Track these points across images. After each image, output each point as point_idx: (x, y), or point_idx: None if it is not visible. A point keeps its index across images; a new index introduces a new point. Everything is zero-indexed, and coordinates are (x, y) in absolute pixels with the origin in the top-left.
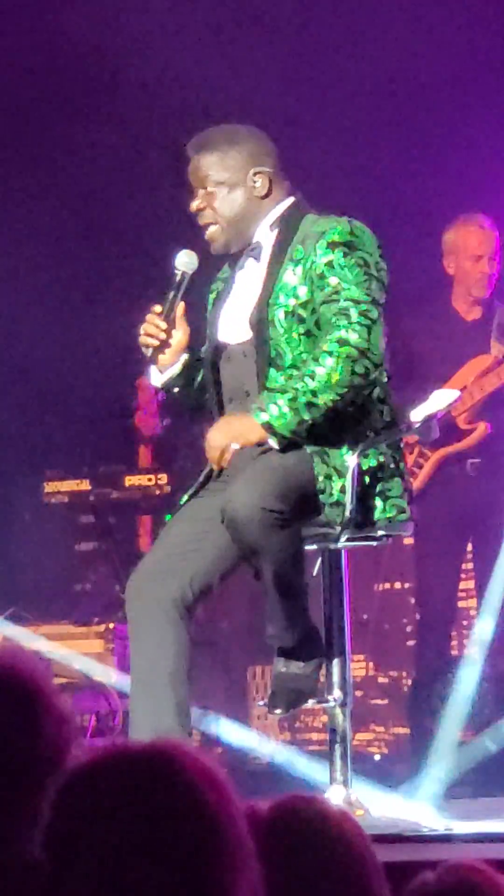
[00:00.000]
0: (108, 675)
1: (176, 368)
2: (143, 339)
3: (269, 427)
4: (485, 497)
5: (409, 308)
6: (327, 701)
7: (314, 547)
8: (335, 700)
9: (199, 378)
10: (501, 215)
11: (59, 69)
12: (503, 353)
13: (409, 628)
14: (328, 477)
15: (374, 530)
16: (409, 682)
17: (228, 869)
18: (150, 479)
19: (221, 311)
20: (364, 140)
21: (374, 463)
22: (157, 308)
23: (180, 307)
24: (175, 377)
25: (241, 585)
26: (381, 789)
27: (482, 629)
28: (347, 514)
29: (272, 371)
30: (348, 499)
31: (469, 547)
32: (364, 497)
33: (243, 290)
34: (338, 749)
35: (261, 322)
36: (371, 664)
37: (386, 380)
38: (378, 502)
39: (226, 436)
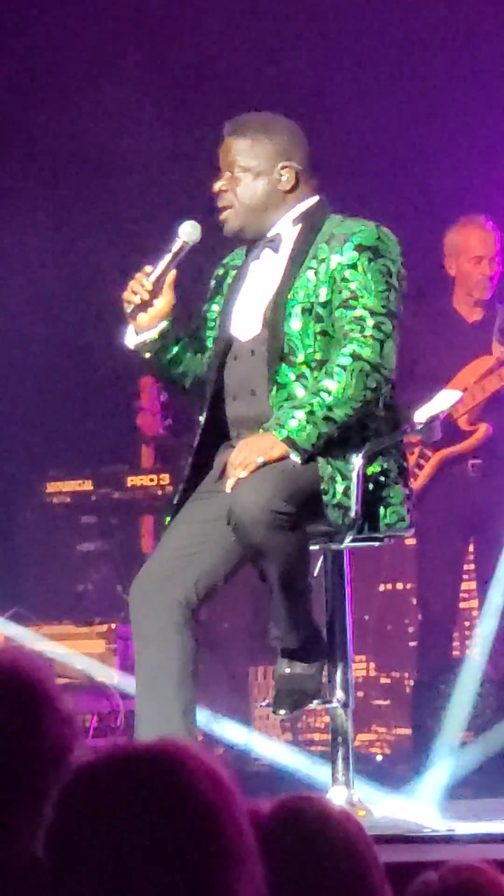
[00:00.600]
0: (110, 676)
1: (152, 333)
2: (126, 295)
3: (290, 442)
4: (486, 498)
5: (411, 309)
6: (331, 702)
7: (316, 547)
8: (338, 701)
9: (174, 351)
10: (503, 216)
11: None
12: None
13: (410, 629)
14: (332, 479)
15: (374, 534)
16: (411, 682)
17: (231, 869)
18: (152, 480)
19: (235, 305)
20: (364, 139)
21: (377, 469)
22: (148, 269)
23: (171, 274)
24: (149, 342)
25: (242, 586)
26: (382, 790)
27: (484, 630)
28: (352, 515)
29: (283, 367)
30: (353, 501)
31: (471, 548)
32: (366, 502)
33: (259, 282)
34: (340, 750)
35: (276, 317)
36: (373, 665)
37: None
38: (380, 509)
39: (251, 453)
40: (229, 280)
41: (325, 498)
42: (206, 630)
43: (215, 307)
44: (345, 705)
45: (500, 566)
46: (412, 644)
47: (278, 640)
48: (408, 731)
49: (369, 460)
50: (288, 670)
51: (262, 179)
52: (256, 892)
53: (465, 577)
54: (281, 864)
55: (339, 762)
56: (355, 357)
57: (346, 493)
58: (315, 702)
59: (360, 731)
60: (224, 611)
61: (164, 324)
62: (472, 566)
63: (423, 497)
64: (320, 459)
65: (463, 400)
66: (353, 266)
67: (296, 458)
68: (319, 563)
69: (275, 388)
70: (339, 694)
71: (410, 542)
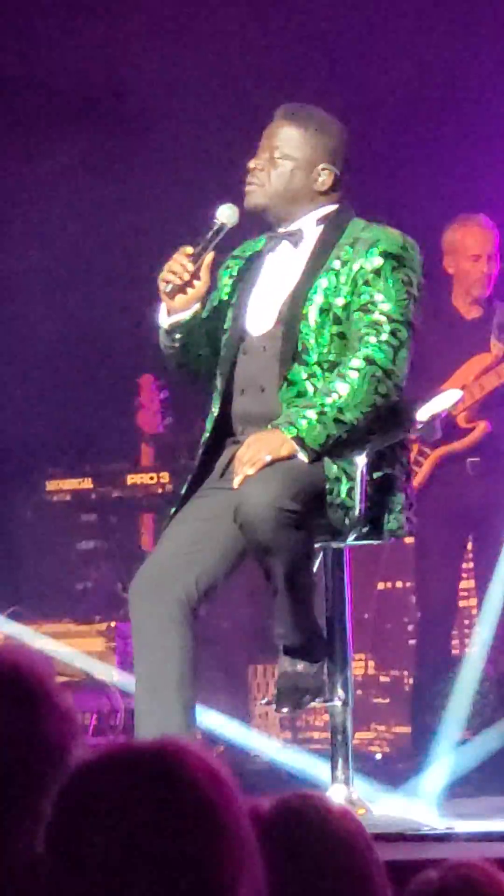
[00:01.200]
0: (110, 674)
1: (186, 315)
2: (165, 275)
3: (300, 441)
4: (485, 496)
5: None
6: (332, 700)
7: (316, 546)
8: (339, 699)
9: (195, 338)
10: (502, 214)
11: None
12: (503, 352)
13: (409, 627)
14: (337, 479)
15: (375, 537)
16: (410, 681)
17: (231, 867)
18: (151, 478)
19: (250, 298)
20: (364, 137)
21: (384, 475)
22: (188, 249)
23: (209, 257)
24: (183, 324)
25: (241, 584)
26: (382, 788)
27: (483, 628)
28: (355, 515)
29: (296, 365)
30: (357, 499)
31: (469, 546)
32: (370, 508)
33: (276, 277)
34: (339, 748)
35: (293, 314)
36: (372, 663)
37: None
38: (384, 515)
39: (259, 450)
40: (234, 271)
41: (328, 497)
42: (205, 628)
43: (226, 297)
44: (344, 703)
45: (499, 564)
46: (411, 642)
47: (281, 637)
48: (407, 730)
49: (377, 465)
50: (290, 668)
51: (301, 173)
52: (256, 890)
53: (463, 575)
54: (281, 862)
55: (339, 760)
56: (369, 361)
57: (349, 493)
58: (318, 700)
59: (359, 730)
60: (223, 609)
61: (197, 305)
62: (471, 564)
63: (421, 495)
64: (326, 459)
65: (461, 398)
66: (377, 272)
67: (303, 457)
68: (318, 561)
69: (285, 385)
70: (339, 692)
71: (409, 540)
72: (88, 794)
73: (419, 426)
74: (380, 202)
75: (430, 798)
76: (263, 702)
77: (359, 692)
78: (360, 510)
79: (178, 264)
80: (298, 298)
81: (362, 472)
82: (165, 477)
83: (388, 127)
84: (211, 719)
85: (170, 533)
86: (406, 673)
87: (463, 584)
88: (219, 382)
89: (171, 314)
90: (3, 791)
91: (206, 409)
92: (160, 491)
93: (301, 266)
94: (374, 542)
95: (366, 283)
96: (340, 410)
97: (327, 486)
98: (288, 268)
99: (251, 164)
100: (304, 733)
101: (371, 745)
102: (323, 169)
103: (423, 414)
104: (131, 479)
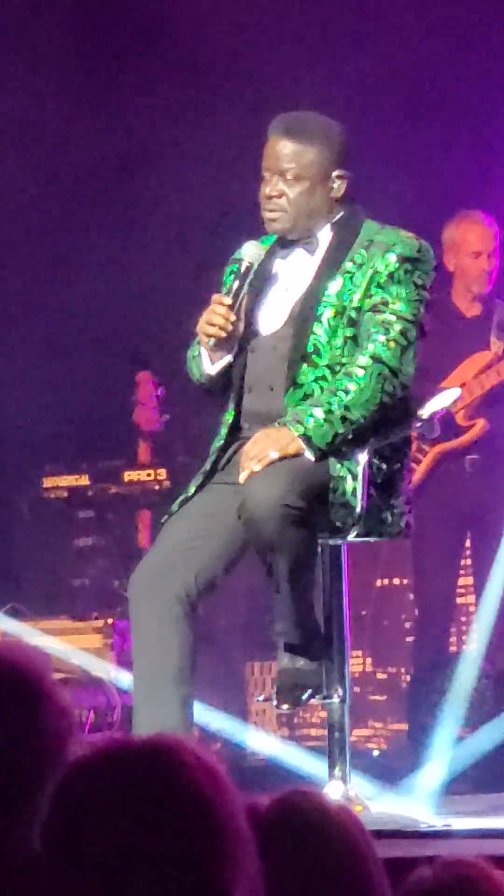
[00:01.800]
0: (107, 671)
1: (230, 357)
2: (207, 329)
3: (306, 439)
4: (483, 493)
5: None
6: (331, 697)
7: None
8: (337, 696)
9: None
10: (502, 211)
11: None
12: (502, 350)
13: (407, 624)
14: (342, 477)
15: (376, 535)
16: (408, 678)
17: (228, 864)
18: (149, 475)
19: (261, 299)
20: (364, 134)
21: (388, 475)
22: (226, 299)
23: (245, 300)
24: (226, 366)
25: (239, 581)
26: (379, 785)
27: (480, 625)
28: (358, 510)
29: (304, 366)
30: (359, 496)
31: (467, 543)
32: (372, 506)
33: (288, 279)
34: (336, 745)
35: (305, 315)
36: (369, 660)
37: None
38: (386, 515)
39: (266, 447)
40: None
41: (332, 496)
42: (202, 625)
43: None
44: (342, 700)
45: (498, 561)
46: (409, 639)
47: (282, 634)
48: (404, 727)
49: (380, 463)
50: (290, 665)
51: (319, 188)
52: (253, 886)
53: (461, 572)
54: (279, 858)
55: (336, 757)
56: (375, 360)
57: (353, 492)
58: (318, 696)
59: (356, 727)
60: (221, 606)
61: (235, 344)
62: (468, 561)
63: (420, 492)
64: (331, 458)
65: (461, 395)
66: (391, 275)
67: (310, 455)
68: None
69: (291, 388)
70: (336, 689)
71: None
72: (85, 791)
73: (419, 424)
74: (379, 197)
75: (427, 795)
76: (261, 698)
77: (356, 689)
78: (361, 507)
79: (220, 316)
80: (312, 299)
81: (365, 469)
82: (162, 474)
83: (388, 121)
84: (208, 716)
85: (169, 529)
86: (403, 670)
87: (461, 581)
88: (234, 382)
89: (213, 361)
90: (0, 786)
91: (204, 406)
92: (157, 488)
93: (314, 268)
94: (374, 540)
95: (379, 285)
96: (347, 409)
97: (332, 485)
98: (301, 271)
99: (267, 192)
100: (302, 730)
101: (368, 742)
102: (337, 176)
103: (425, 412)
104: (128, 475)
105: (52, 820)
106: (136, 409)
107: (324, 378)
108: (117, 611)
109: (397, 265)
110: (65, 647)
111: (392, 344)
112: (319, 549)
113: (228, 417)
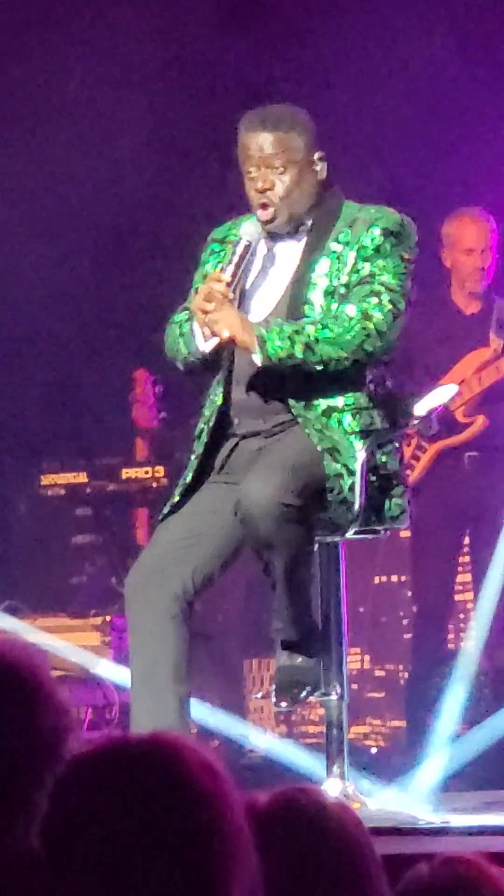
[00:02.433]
0: (105, 668)
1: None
2: (206, 305)
3: (262, 341)
4: (482, 490)
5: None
6: (329, 694)
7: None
8: (335, 693)
9: None
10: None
11: None
12: (502, 347)
13: (405, 621)
14: (339, 476)
15: (376, 527)
16: (406, 675)
17: (227, 861)
18: (146, 472)
19: (248, 286)
20: (365, 130)
21: (380, 464)
22: (224, 276)
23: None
24: (219, 345)
25: (237, 578)
26: (377, 782)
27: (479, 622)
28: (356, 509)
29: None
30: (357, 493)
31: (466, 540)
32: (370, 497)
33: (274, 265)
34: (334, 742)
35: (296, 300)
36: (367, 657)
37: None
38: (384, 503)
39: (225, 322)
40: (221, 257)
41: (330, 496)
42: (200, 622)
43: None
44: (340, 697)
45: (496, 558)
46: (407, 636)
47: (280, 632)
48: (402, 724)
49: (375, 459)
50: (288, 662)
51: (307, 173)
52: (252, 883)
53: (460, 569)
54: (278, 855)
55: (334, 754)
56: (365, 316)
57: (351, 489)
58: (314, 694)
59: (354, 724)
60: (218, 603)
61: None
62: (467, 558)
63: (419, 489)
64: (327, 456)
65: (460, 392)
66: (377, 248)
67: (257, 359)
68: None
69: None
70: (335, 686)
71: (405, 534)
72: (83, 789)
73: (416, 420)
74: (380, 193)
75: (425, 792)
76: (259, 696)
77: (354, 686)
78: (360, 504)
79: (218, 293)
80: (302, 283)
81: (362, 466)
82: (160, 471)
83: (390, 116)
84: (206, 713)
85: (165, 527)
86: (401, 667)
87: (459, 578)
88: (222, 373)
89: (207, 339)
90: None
91: (202, 402)
92: (155, 485)
93: (299, 253)
94: (370, 537)
95: (366, 258)
96: (317, 341)
97: (329, 485)
98: (287, 256)
99: (259, 187)
100: (300, 727)
101: (366, 739)
102: (319, 159)
103: (420, 408)
104: (126, 473)
105: (50, 818)
106: (135, 407)
107: (308, 318)
108: (115, 608)
109: (382, 238)
110: (62, 644)
111: (384, 310)
112: (317, 547)
113: (216, 401)
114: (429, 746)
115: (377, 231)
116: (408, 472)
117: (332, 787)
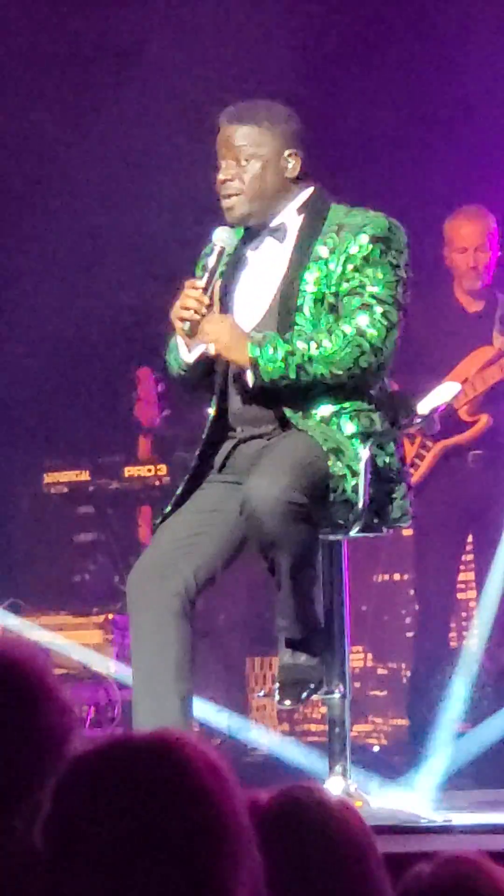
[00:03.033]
0: (107, 666)
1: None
2: (181, 313)
3: (255, 363)
4: (485, 489)
5: (412, 299)
6: (333, 692)
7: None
8: (337, 691)
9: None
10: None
11: None
12: None
13: (408, 620)
14: (342, 476)
15: (379, 528)
16: (408, 673)
17: (230, 858)
18: (149, 470)
19: (237, 294)
20: (367, 128)
21: (383, 464)
22: (198, 283)
23: (217, 283)
24: (204, 355)
25: (239, 576)
26: (379, 781)
27: (481, 621)
28: (360, 506)
29: None
30: (361, 494)
31: (469, 538)
32: (373, 499)
33: (262, 272)
34: (337, 740)
35: (286, 307)
36: (370, 655)
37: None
38: (387, 505)
39: (217, 337)
40: (222, 268)
41: (333, 495)
42: (202, 621)
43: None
44: (342, 696)
45: (499, 557)
46: (409, 635)
47: (284, 630)
48: (405, 722)
49: (377, 457)
50: (291, 661)
51: (271, 167)
52: (255, 881)
53: (462, 567)
54: (280, 853)
55: (337, 753)
56: (360, 332)
57: (354, 489)
58: (317, 692)
59: (356, 722)
60: (221, 601)
61: None
62: (470, 557)
63: (422, 488)
64: (331, 455)
65: (464, 391)
66: (365, 257)
67: (249, 378)
68: None
69: None
70: (337, 684)
71: (408, 532)
72: (86, 787)
73: (418, 420)
74: (382, 192)
75: (427, 790)
76: (261, 694)
77: (356, 684)
78: (363, 503)
79: (192, 299)
80: (291, 291)
81: (366, 466)
82: (163, 469)
83: (392, 115)
84: (208, 712)
85: (167, 525)
86: (404, 665)
87: (462, 577)
88: (217, 379)
89: (191, 349)
90: (0, 783)
91: (203, 404)
92: (157, 483)
93: (286, 258)
94: (372, 535)
95: (355, 268)
96: (310, 361)
97: (332, 485)
98: (274, 261)
99: (221, 178)
100: (302, 726)
101: (369, 737)
102: (289, 155)
103: (422, 407)
104: (129, 471)
105: (53, 817)
106: (137, 405)
107: (301, 336)
108: (118, 606)
109: (370, 246)
110: (65, 642)
111: (377, 324)
112: (320, 545)
113: (211, 412)
114: (431, 745)
115: (365, 238)
116: (412, 470)
117: (335, 786)
